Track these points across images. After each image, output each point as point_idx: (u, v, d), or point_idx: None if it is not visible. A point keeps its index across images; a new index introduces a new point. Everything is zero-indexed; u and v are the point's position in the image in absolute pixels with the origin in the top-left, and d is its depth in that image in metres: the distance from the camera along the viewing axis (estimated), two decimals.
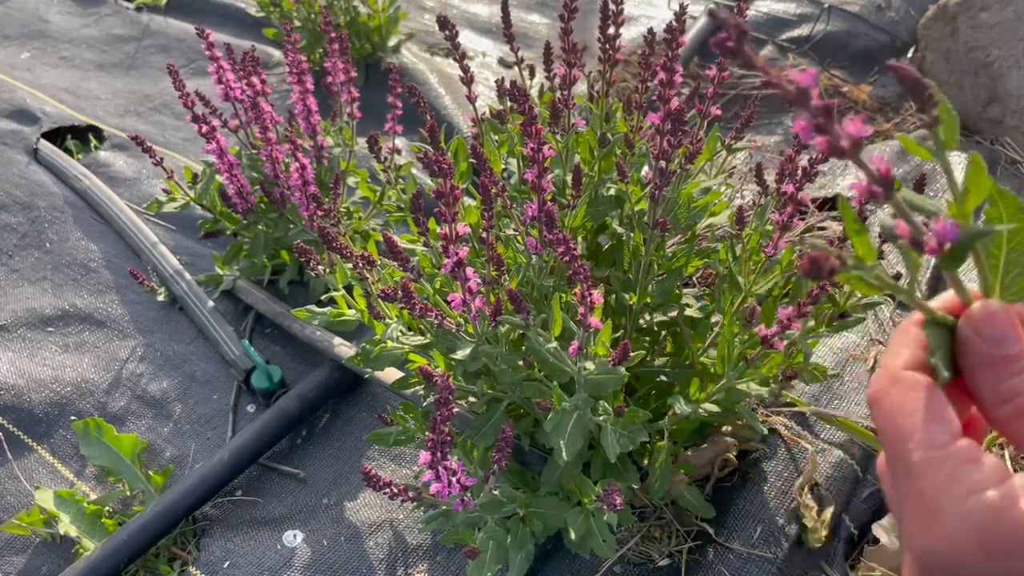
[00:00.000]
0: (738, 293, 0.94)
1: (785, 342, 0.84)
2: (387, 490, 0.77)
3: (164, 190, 1.51)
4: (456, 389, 0.91)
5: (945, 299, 0.48)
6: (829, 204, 1.70)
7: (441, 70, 2.14)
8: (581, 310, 0.74)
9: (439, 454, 0.73)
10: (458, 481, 0.76)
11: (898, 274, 0.94)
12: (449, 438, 0.73)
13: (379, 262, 0.96)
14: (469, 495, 0.79)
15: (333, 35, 1.45)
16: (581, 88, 1.75)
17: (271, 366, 1.41)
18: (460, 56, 1.02)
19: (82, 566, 1.15)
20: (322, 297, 1.38)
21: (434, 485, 0.76)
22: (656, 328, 1.05)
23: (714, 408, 0.89)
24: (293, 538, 1.21)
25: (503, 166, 1.13)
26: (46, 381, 1.43)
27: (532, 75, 1.09)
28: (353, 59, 1.97)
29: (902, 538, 0.45)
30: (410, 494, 0.79)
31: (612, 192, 1.02)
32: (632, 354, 0.78)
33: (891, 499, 0.43)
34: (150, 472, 1.29)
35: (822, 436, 1.21)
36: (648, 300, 0.99)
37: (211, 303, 1.52)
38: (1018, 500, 0.36)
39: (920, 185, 0.83)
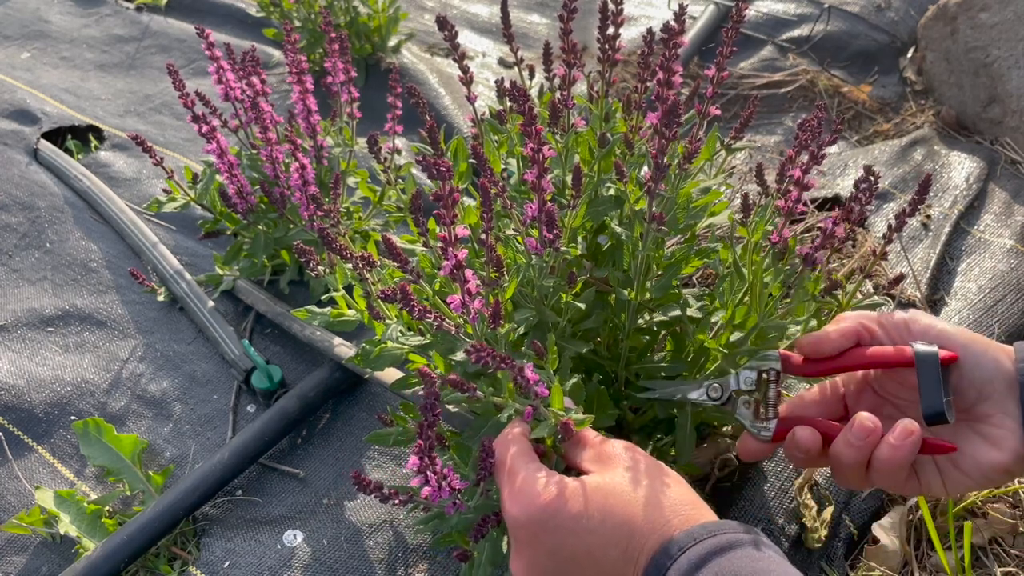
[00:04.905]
0: (742, 284, 0.94)
1: (822, 254, 0.83)
2: (377, 493, 0.77)
3: (164, 190, 1.51)
4: (441, 396, 0.91)
5: None
6: (829, 204, 1.70)
7: (441, 70, 2.14)
8: (523, 387, 0.73)
9: (427, 459, 0.73)
10: (449, 484, 0.76)
11: (901, 275, 0.94)
12: (437, 442, 0.73)
13: (379, 263, 0.96)
14: (461, 498, 0.79)
15: (333, 35, 1.45)
16: (581, 88, 1.75)
17: (271, 366, 1.41)
18: (460, 56, 1.02)
19: (82, 566, 1.15)
20: (322, 297, 1.38)
21: (425, 489, 0.76)
22: (656, 328, 1.05)
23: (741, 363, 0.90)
24: (293, 538, 1.21)
25: (503, 166, 1.13)
26: (46, 381, 1.43)
27: (532, 75, 1.09)
28: (353, 59, 1.97)
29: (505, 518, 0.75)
30: (401, 497, 0.79)
31: (612, 192, 1.02)
32: (581, 417, 0.79)
33: (500, 492, 0.76)
34: (150, 472, 1.29)
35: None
36: (646, 296, 0.99)
37: (211, 303, 1.52)
38: (554, 494, 0.70)
39: (925, 185, 0.83)
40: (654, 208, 0.87)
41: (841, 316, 0.84)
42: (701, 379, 0.88)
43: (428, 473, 0.74)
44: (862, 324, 0.82)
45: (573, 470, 0.77)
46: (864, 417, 0.76)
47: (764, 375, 0.84)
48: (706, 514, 0.70)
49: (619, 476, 0.71)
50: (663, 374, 1.03)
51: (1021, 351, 0.76)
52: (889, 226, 0.86)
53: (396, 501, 0.79)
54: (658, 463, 0.74)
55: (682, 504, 0.69)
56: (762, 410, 0.84)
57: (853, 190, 0.85)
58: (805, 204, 0.87)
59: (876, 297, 0.95)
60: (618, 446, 0.76)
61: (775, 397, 0.84)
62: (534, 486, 0.71)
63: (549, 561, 0.71)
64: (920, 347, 0.77)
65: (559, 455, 0.80)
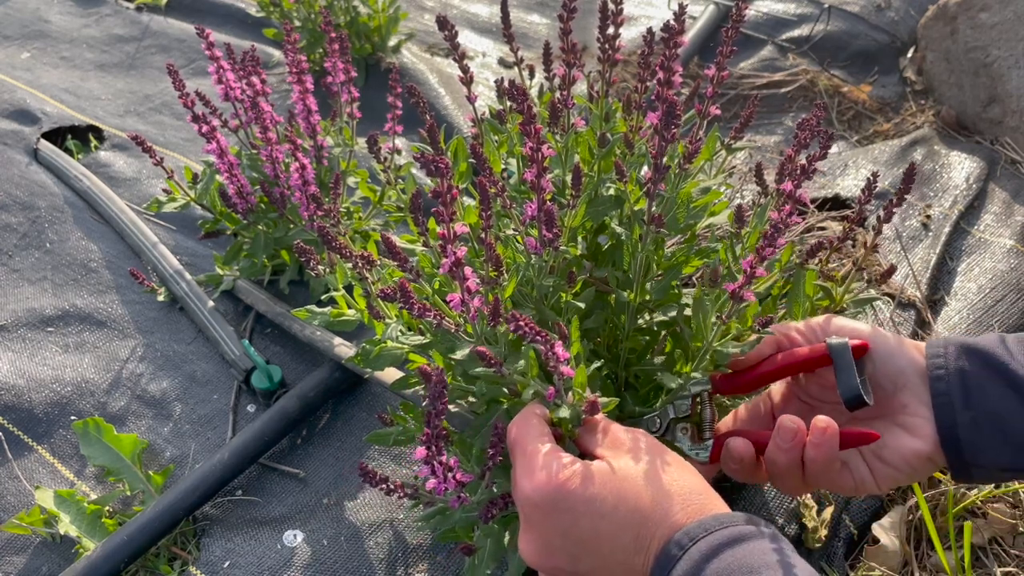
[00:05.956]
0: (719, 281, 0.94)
1: (753, 291, 0.84)
2: (383, 486, 0.78)
3: (164, 190, 1.51)
4: (448, 384, 0.91)
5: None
6: (829, 204, 1.70)
7: (441, 70, 2.14)
8: (551, 364, 0.73)
9: (434, 449, 0.73)
10: (454, 477, 0.76)
11: (892, 267, 0.94)
12: (444, 432, 0.73)
13: (379, 262, 0.96)
14: (466, 492, 0.79)
15: (333, 35, 1.45)
16: (581, 88, 1.75)
17: (271, 366, 1.41)
18: (460, 56, 1.02)
19: (82, 566, 1.15)
20: (322, 297, 1.38)
21: (430, 481, 0.76)
22: (656, 328, 1.05)
23: (700, 376, 0.90)
24: (293, 538, 1.21)
25: (503, 166, 1.13)
26: (46, 381, 1.43)
27: (532, 75, 1.09)
28: (353, 59, 1.97)
29: (515, 495, 0.75)
30: (407, 491, 0.79)
31: (612, 192, 1.02)
32: (607, 400, 0.79)
33: (512, 477, 0.76)
34: (150, 472, 1.29)
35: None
36: (646, 298, 0.99)
37: (211, 303, 1.52)
38: (569, 474, 0.70)
39: (910, 174, 0.84)
40: (654, 209, 0.87)
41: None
42: (645, 417, 0.91)
43: (435, 463, 0.75)
44: (780, 333, 0.86)
45: (587, 456, 0.78)
46: (786, 419, 0.78)
47: (697, 399, 0.87)
48: (719, 505, 0.70)
49: (634, 463, 0.72)
50: (658, 375, 1.03)
51: (932, 347, 0.79)
52: (878, 217, 0.86)
53: (401, 494, 0.79)
54: (672, 453, 0.75)
55: (696, 494, 0.70)
56: (699, 433, 0.87)
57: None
58: (805, 205, 0.88)
59: (871, 291, 0.95)
60: (634, 434, 0.76)
61: (710, 418, 0.86)
62: (550, 465, 0.71)
63: (559, 541, 0.71)
64: (832, 340, 0.81)
65: (572, 440, 0.81)
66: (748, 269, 0.80)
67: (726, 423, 0.94)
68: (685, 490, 0.70)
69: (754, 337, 0.85)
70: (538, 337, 0.70)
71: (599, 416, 0.80)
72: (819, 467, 0.77)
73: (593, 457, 0.76)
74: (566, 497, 0.70)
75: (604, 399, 0.78)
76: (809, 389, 0.89)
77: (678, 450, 0.87)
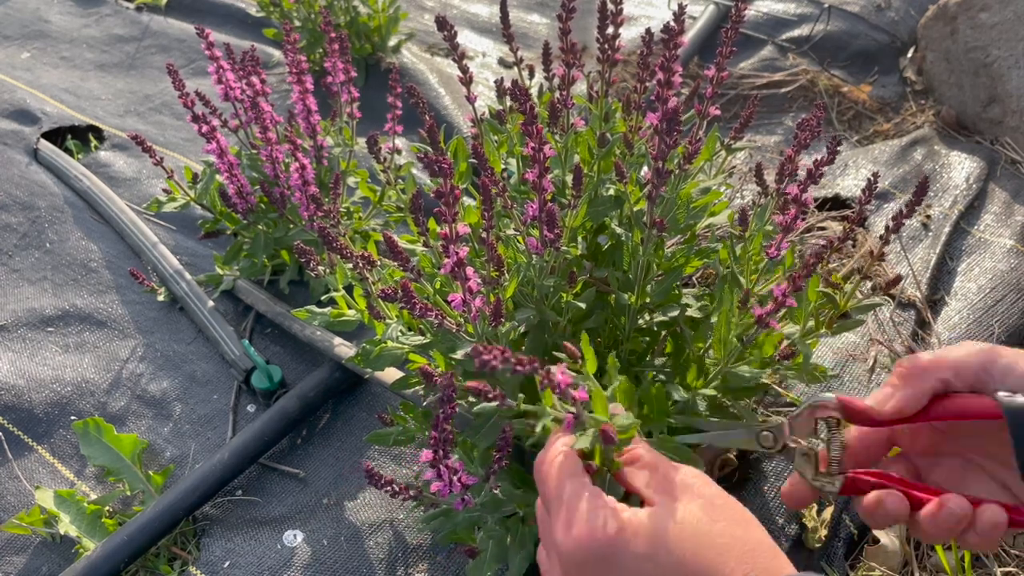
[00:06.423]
0: (739, 291, 0.94)
1: (779, 321, 0.82)
2: (388, 488, 0.78)
3: (164, 190, 1.51)
4: (457, 388, 0.90)
5: None
6: (829, 204, 1.70)
7: (441, 70, 2.14)
8: (556, 392, 0.62)
9: (441, 452, 0.73)
10: (459, 480, 0.76)
11: (898, 277, 0.94)
12: (451, 436, 0.73)
13: (379, 262, 0.96)
14: (470, 494, 0.79)
15: (333, 35, 1.45)
16: (580, 88, 1.75)
17: (271, 366, 1.41)
18: (459, 56, 1.02)
19: (82, 566, 1.15)
20: (322, 297, 1.38)
21: (435, 484, 0.76)
22: (656, 328, 1.05)
23: (711, 392, 0.89)
24: (293, 538, 1.21)
25: (503, 166, 1.13)
26: (46, 381, 1.43)
27: (531, 75, 1.09)
28: (353, 59, 1.97)
29: (550, 546, 0.68)
30: (411, 492, 0.80)
31: (612, 192, 1.02)
32: (628, 422, 0.69)
33: (542, 521, 0.70)
34: (150, 472, 1.29)
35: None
36: (647, 300, 0.99)
37: (211, 303, 1.52)
38: (616, 528, 0.62)
39: (923, 187, 0.83)
40: (654, 212, 0.87)
41: (913, 370, 0.72)
42: (755, 426, 0.81)
43: (441, 467, 0.75)
44: (936, 378, 0.71)
45: (630, 493, 0.70)
46: (953, 503, 0.68)
47: (819, 422, 0.77)
48: (785, 564, 0.63)
49: (690, 513, 0.63)
50: (662, 377, 1.03)
51: None
52: (886, 227, 0.86)
53: (405, 496, 0.79)
54: (731, 498, 0.67)
55: (761, 551, 0.63)
56: (828, 461, 0.76)
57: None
58: (807, 207, 0.88)
59: (875, 298, 0.95)
60: (687, 474, 0.68)
61: (840, 449, 0.75)
62: (592, 515, 0.63)
63: None
64: (1007, 399, 0.67)
65: (612, 473, 0.71)
66: (780, 297, 0.76)
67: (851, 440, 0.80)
68: (749, 547, 0.62)
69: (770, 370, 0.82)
70: (518, 368, 0.57)
71: (646, 452, 0.70)
72: (975, 549, 0.69)
73: (640, 497, 0.68)
74: (614, 554, 0.62)
75: (624, 422, 0.67)
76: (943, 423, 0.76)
77: (798, 475, 0.77)
